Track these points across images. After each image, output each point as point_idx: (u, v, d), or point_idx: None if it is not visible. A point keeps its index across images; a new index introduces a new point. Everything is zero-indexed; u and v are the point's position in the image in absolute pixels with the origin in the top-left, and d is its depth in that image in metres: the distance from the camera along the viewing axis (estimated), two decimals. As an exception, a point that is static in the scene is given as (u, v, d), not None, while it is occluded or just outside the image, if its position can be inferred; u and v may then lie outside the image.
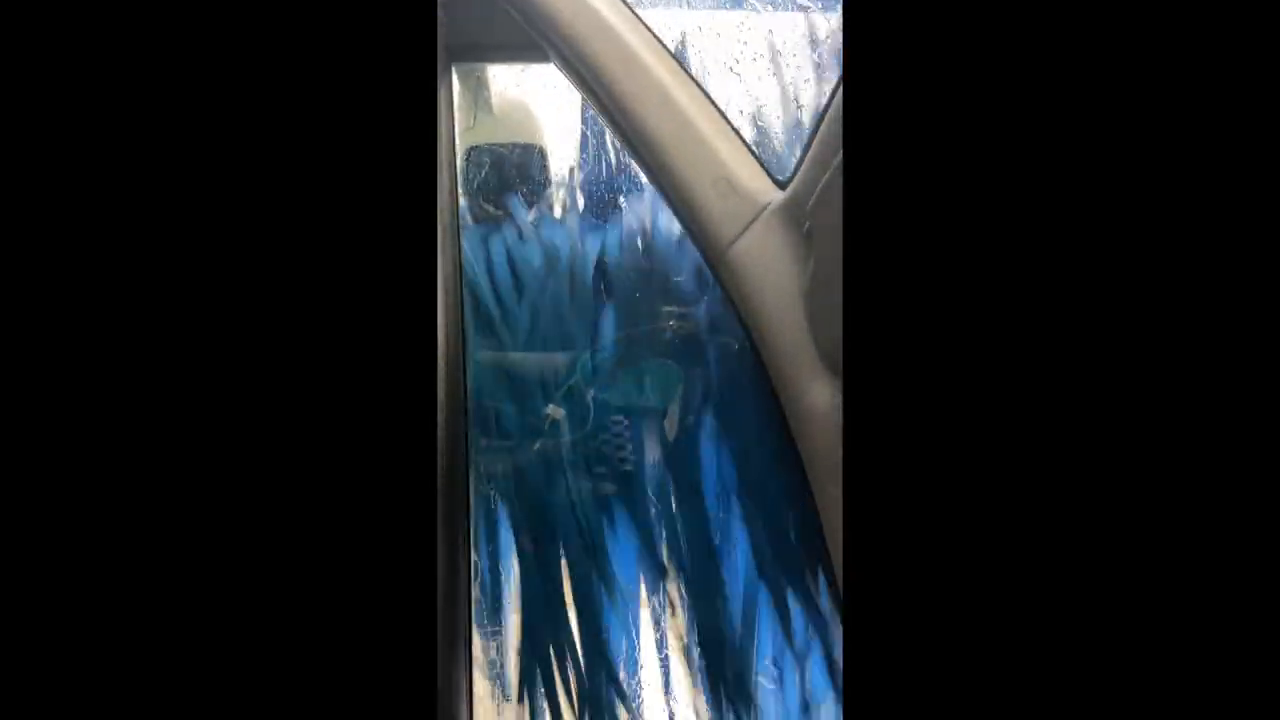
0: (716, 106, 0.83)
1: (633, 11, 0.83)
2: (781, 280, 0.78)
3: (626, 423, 1.00)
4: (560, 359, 1.03)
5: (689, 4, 0.98)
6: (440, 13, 0.84)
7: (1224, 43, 0.36)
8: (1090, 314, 0.39)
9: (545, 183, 1.11)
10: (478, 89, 1.05)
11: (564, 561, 1.01)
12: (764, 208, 0.79)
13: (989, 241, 0.40)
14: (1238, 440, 0.37)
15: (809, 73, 0.91)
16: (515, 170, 1.10)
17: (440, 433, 0.89)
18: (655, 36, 0.83)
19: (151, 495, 0.41)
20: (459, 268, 0.96)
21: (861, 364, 0.42)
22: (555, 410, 1.01)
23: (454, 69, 0.96)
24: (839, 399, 0.75)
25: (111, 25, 0.39)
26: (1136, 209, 0.38)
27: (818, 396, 0.76)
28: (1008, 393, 0.40)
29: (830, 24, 0.98)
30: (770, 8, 1.01)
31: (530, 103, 1.11)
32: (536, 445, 1.01)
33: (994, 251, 0.40)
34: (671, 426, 0.99)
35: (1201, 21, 0.36)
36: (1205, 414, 0.38)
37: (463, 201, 1.02)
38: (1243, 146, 0.36)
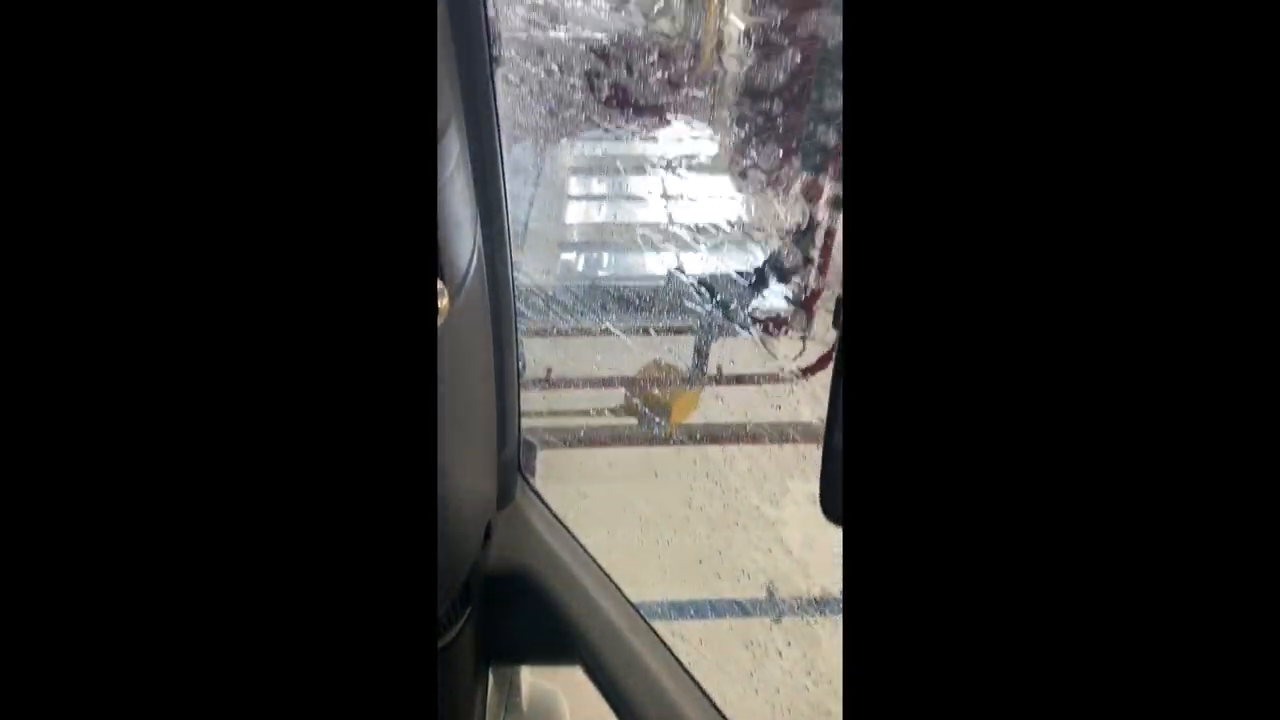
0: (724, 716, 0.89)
1: (652, 630, 0.95)
2: None
3: None
4: None
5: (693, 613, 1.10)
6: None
7: (1226, 44, 0.36)
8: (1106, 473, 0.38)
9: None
10: (510, 692, 1.14)
11: None
12: None
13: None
14: (1241, 451, 0.36)
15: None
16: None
17: None
18: (660, 638, 0.94)
19: (150, 495, 0.40)
20: None
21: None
22: None
23: (490, 672, 1.05)
24: None
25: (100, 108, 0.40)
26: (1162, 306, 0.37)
27: None
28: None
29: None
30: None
31: (559, 698, 1.19)
32: None
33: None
34: None
35: (1203, 22, 0.36)
36: (1209, 435, 0.36)
37: None
38: (1247, 150, 0.36)
